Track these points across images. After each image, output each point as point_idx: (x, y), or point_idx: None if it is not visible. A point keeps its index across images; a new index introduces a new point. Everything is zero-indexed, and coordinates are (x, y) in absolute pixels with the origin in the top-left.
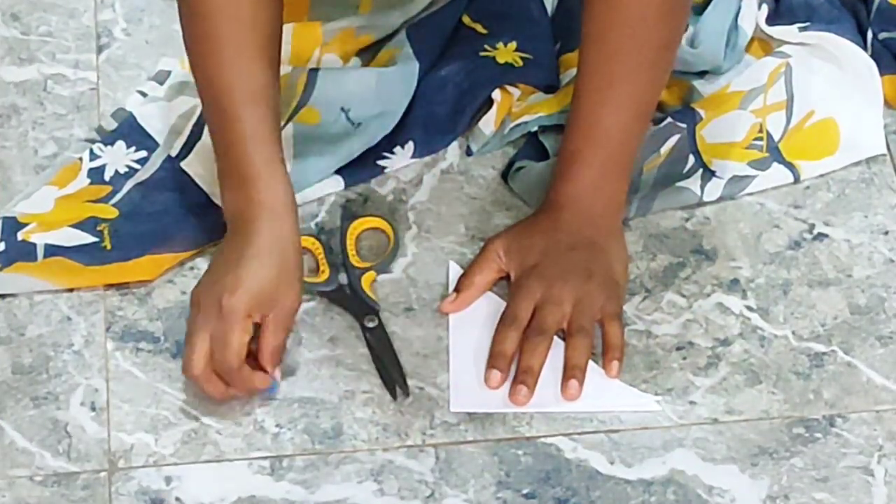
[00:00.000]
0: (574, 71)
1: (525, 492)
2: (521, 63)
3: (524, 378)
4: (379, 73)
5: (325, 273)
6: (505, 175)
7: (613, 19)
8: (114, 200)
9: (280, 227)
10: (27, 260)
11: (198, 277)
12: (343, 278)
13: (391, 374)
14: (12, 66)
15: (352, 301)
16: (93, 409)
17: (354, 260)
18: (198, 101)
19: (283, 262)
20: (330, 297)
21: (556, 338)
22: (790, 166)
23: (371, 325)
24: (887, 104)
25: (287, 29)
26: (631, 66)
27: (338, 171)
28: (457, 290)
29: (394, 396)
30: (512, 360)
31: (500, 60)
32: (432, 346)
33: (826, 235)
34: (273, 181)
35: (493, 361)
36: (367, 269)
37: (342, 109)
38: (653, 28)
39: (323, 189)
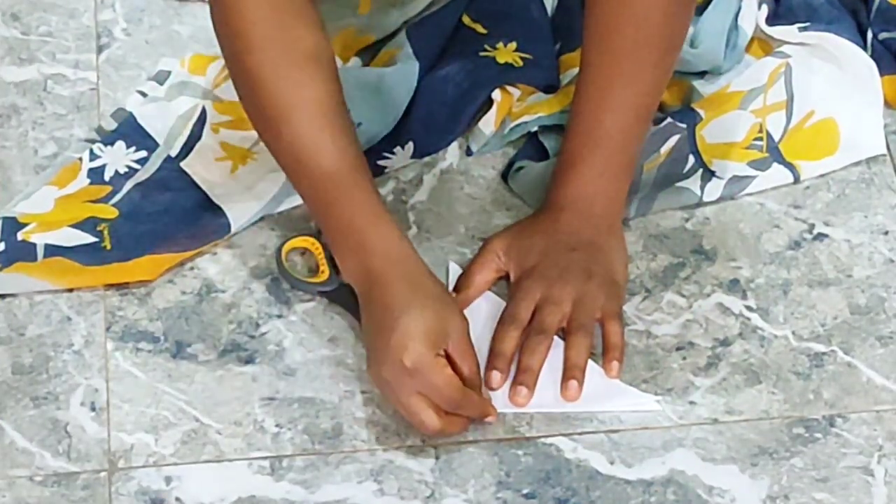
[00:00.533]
0: (574, 71)
1: (525, 492)
2: (521, 63)
3: (524, 378)
4: (379, 73)
5: (325, 273)
6: (505, 175)
7: (616, 20)
8: (114, 200)
9: (407, 268)
10: (27, 260)
11: (198, 277)
12: (336, 279)
13: None
14: (12, 66)
15: (352, 300)
16: (93, 409)
17: None
18: (197, 101)
19: (428, 297)
20: (330, 297)
21: (556, 338)
22: (790, 166)
23: None
24: (887, 104)
25: None
26: (633, 68)
27: None
28: (456, 289)
29: None
30: (512, 359)
31: (500, 60)
32: None
33: (826, 235)
34: (384, 230)
35: (493, 361)
36: None
37: None
38: (656, 29)
39: None
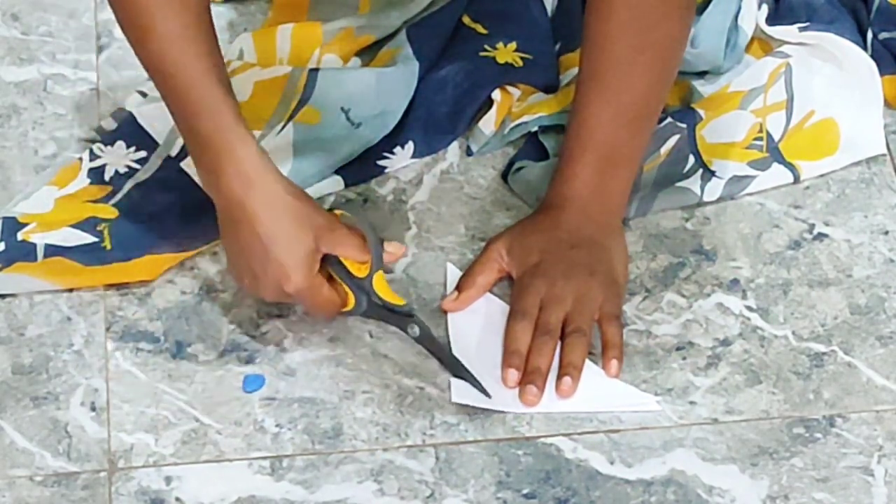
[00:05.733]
0: (574, 71)
1: (525, 492)
2: (521, 63)
3: (533, 378)
4: (379, 73)
5: (352, 301)
6: (505, 175)
7: (618, 23)
8: (114, 200)
9: (265, 191)
10: (27, 260)
11: (197, 277)
12: (364, 300)
13: (460, 371)
14: (12, 66)
15: (387, 315)
16: (93, 409)
17: (355, 269)
18: None
19: (291, 219)
20: (370, 317)
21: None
22: (790, 166)
23: (415, 333)
24: (887, 104)
25: (287, 29)
26: (633, 71)
27: (338, 171)
28: (458, 288)
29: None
30: (526, 356)
31: (500, 60)
32: None
33: (826, 235)
34: (242, 152)
35: (508, 360)
36: (370, 274)
37: (342, 109)
38: (655, 31)
39: (323, 189)
